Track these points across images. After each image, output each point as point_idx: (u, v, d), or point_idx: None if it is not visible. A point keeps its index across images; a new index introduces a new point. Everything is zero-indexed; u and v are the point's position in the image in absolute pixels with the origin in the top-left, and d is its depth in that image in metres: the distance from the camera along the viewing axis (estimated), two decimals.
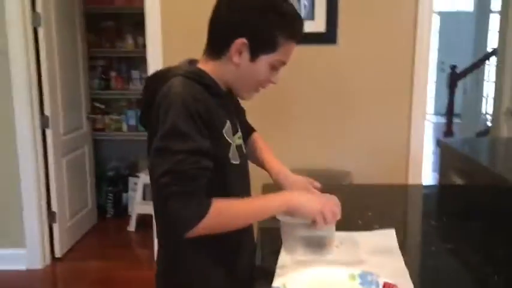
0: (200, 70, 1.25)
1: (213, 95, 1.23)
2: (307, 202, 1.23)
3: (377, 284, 1.12)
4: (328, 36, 3.05)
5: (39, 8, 3.27)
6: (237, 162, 1.29)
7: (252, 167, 1.48)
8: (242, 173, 1.35)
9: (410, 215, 1.93)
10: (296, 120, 3.11)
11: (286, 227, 1.30)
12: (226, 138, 1.25)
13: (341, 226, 1.30)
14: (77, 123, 3.90)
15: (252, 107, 1.55)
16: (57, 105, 3.51)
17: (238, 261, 1.33)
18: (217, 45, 1.25)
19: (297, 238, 1.28)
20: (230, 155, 1.26)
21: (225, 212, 1.17)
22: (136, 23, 4.18)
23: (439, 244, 1.51)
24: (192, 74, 1.22)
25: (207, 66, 1.27)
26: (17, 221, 3.34)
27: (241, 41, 1.20)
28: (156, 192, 1.20)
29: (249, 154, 1.50)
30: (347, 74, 3.06)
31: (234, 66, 1.24)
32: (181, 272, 1.28)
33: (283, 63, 1.28)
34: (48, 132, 3.40)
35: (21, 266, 3.36)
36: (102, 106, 4.54)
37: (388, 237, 1.44)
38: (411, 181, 3.07)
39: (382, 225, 1.52)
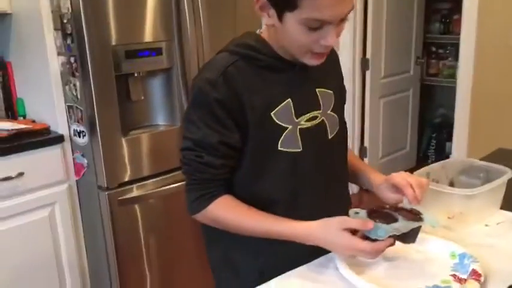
0: (254, 40, 1.11)
1: (263, 68, 1.10)
2: (332, 251, 1.06)
3: (467, 269, 0.98)
4: None
5: None
6: (297, 150, 1.11)
7: None
8: (306, 162, 1.14)
9: None
10: None
11: None
12: (276, 121, 1.09)
13: None
14: (404, 67, 4.04)
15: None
16: (380, 49, 3.73)
17: (273, 248, 1.14)
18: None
19: None
20: (281, 140, 1.10)
21: (221, 222, 1.12)
22: None
23: None
24: (239, 48, 1.11)
25: (265, 33, 1.12)
26: None
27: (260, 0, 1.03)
28: None
29: None
30: None
31: (272, 29, 1.07)
32: (209, 245, 1.28)
33: (321, 21, 0.99)
34: (368, 74, 3.69)
35: None
36: (440, 51, 4.46)
37: None
38: None
39: None
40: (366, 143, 3.84)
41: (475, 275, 0.96)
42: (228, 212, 1.11)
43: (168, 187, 2.23)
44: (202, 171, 1.09)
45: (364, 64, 3.67)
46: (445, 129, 4.39)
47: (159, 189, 2.22)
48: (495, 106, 2.91)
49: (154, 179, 2.22)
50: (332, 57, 1.20)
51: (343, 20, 1.01)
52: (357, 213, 1.06)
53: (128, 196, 2.13)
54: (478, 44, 2.90)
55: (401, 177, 1.11)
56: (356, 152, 3.80)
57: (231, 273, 1.20)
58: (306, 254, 1.09)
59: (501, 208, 1.27)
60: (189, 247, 2.34)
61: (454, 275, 0.99)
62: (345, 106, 1.29)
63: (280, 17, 1.01)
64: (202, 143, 1.08)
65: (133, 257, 2.21)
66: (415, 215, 1.03)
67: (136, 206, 2.17)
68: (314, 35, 1.00)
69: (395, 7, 3.76)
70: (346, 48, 3.57)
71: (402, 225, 1.02)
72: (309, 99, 1.14)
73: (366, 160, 3.86)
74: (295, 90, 1.11)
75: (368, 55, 3.66)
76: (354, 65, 3.62)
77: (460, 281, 0.96)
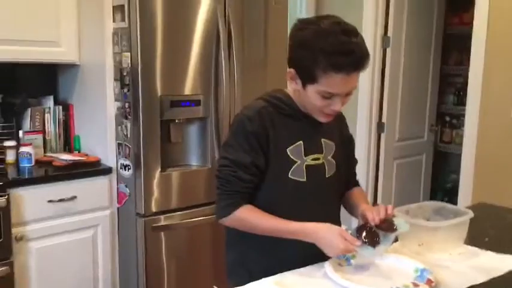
0: (282, 94, 1.49)
1: (286, 115, 1.46)
2: (325, 249, 1.35)
3: (424, 279, 1.27)
4: None
5: (390, 33, 3.93)
6: (302, 180, 1.45)
7: None
8: (308, 190, 1.47)
9: None
10: None
11: None
12: (290, 155, 1.44)
13: None
14: (418, 132, 4.36)
15: None
16: (396, 114, 4.08)
17: (281, 253, 1.44)
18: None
19: None
20: (291, 170, 1.44)
21: (244, 221, 1.43)
22: None
23: None
24: (271, 98, 1.48)
25: (291, 92, 1.50)
26: None
27: (291, 71, 1.41)
28: None
29: (346, 207, 1.63)
30: None
31: (297, 92, 1.45)
32: (229, 250, 1.58)
33: (332, 93, 1.36)
34: (383, 136, 4.03)
35: None
36: (454, 120, 4.79)
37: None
38: None
39: None
40: (379, 201, 4.11)
41: (429, 282, 1.25)
42: (250, 214, 1.42)
43: (192, 220, 2.56)
44: (232, 183, 1.41)
45: (380, 127, 4.01)
46: (457, 195, 4.62)
47: (184, 220, 2.55)
48: (497, 172, 3.18)
49: (181, 212, 2.55)
50: (338, 120, 1.56)
51: (348, 94, 1.39)
52: (347, 230, 1.38)
53: (160, 224, 2.47)
54: (482, 115, 3.22)
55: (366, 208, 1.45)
56: None
57: (244, 272, 1.48)
58: (301, 260, 1.41)
59: (465, 243, 1.56)
60: (206, 274, 2.64)
61: (413, 283, 1.28)
62: (359, 165, 1.70)
63: (304, 86, 1.40)
64: (237, 162, 1.41)
65: (158, 277, 2.51)
66: (390, 225, 1.36)
67: (162, 233, 2.50)
68: (326, 101, 1.38)
69: (411, 77, 4.14)
70: (364, 112, 3.93)
71: (383, 245, 1.36)
72: (315, 144, 1.49)
73: None
74: (306, 136, 1.47)
75: (384, 119, 4.01)
76: (370, 128, 3.96)
77: (416, 285, 1.26)
